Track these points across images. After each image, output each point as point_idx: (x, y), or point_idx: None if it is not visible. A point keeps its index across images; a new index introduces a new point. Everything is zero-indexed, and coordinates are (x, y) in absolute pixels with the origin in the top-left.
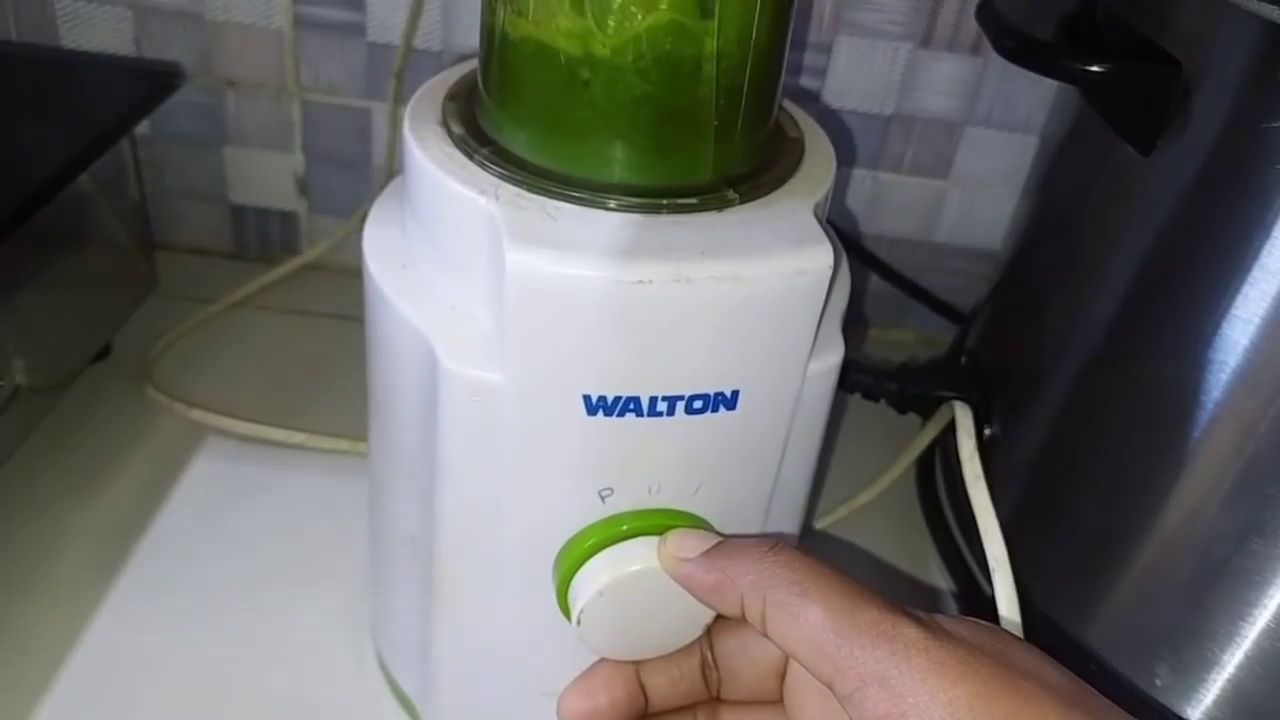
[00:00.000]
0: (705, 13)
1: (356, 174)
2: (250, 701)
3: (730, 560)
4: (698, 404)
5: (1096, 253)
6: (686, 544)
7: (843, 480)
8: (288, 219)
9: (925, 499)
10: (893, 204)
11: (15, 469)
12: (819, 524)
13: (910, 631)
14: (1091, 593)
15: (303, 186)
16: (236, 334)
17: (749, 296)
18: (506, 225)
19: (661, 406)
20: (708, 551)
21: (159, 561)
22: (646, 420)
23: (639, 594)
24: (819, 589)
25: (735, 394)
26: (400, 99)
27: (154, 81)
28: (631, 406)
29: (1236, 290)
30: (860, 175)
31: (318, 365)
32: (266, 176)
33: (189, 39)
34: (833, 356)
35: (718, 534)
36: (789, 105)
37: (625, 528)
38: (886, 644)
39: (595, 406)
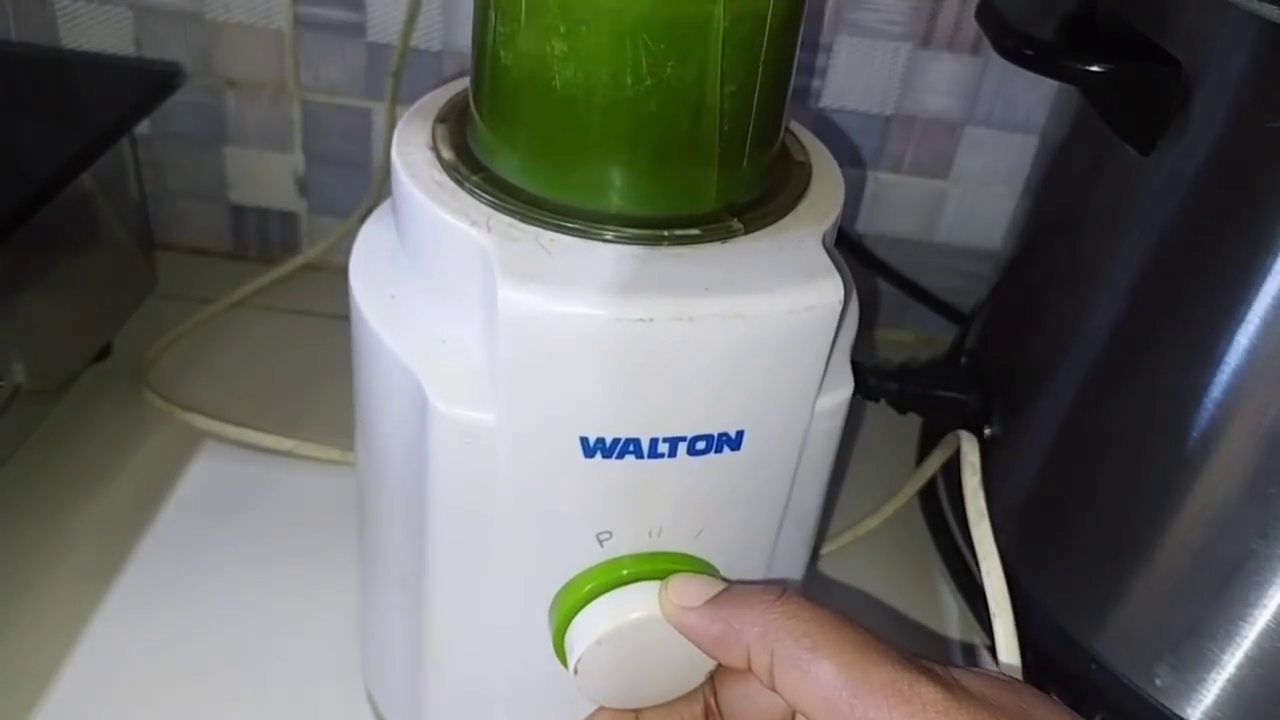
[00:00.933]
0: (710, 34)
1: (357, 174)
2: None
3: (735, 610)
4: (701, 445)
5: (1096, 253)
6: (689, 591)
7: (843, 486)
8: (288, 219)
9: (928, 509)
10: (893, 204)
11: (13, 471)
12: (824, 550)
13: (928, 691)
14: (1092, 592)
15: (303, 186)
16: (236, 334)
17: (755, 334)
18: (499, 259)
19: (663, 448)
20: (711, 600)
21: (151, 571)
22: (647, 462)
23: (640, 642)
24: (830, 643)
25: (740, 434)
26: (398, 99)
27: (154, 81)
28: (631, 448)
29: (1238, 291)
30: (860, 175)
31: (318, 365)
32: (267, 176)
33: (189, 39)
34: (842, 392)
35: (722, 579)
36: (795, 126)
37: (625, 572)
38: (904, 705)
39: (593, 449)
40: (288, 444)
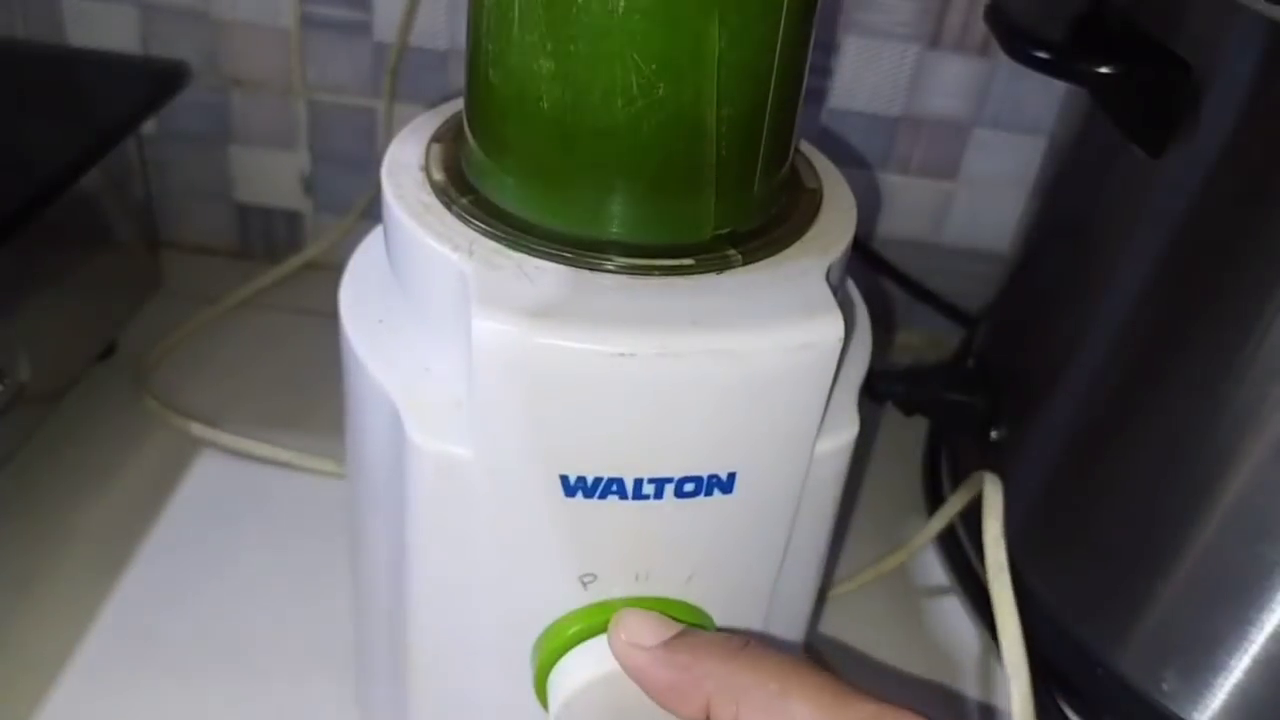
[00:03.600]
0: (703, 56)
1: (362, 173)
2: None
3: (694, 657)
4: (689, 487)
5: (1106, 255)
6: (642, 628)
7: (849, 495)
8: (293, 218)
9: (945, 541)
10: (900, 205)
11: (13, 471)
12: (835, 591)
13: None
14: (1099, 596)
15: (308, 185)
16: (240, 334)
17: (745, 372)
18: (477, 287)
19: (648, 489)
20: (668, 643)
21: (148, 577)
22: (632, 503)
23: (625, 690)
24: (801, 685)
25: (732, 476)
26: (396, 97)
27: (160, 80)
28: (615, 488)
29: (1250, 293)
30: (867, 177)
31: (321, 365)
32: (272, 175)
33: (195, 38)
34: (845, 434)
35: (717, 629)
36: (808, 150)
37: (610, 617)
38: None
39: (574, 488)
40: (284, 455)
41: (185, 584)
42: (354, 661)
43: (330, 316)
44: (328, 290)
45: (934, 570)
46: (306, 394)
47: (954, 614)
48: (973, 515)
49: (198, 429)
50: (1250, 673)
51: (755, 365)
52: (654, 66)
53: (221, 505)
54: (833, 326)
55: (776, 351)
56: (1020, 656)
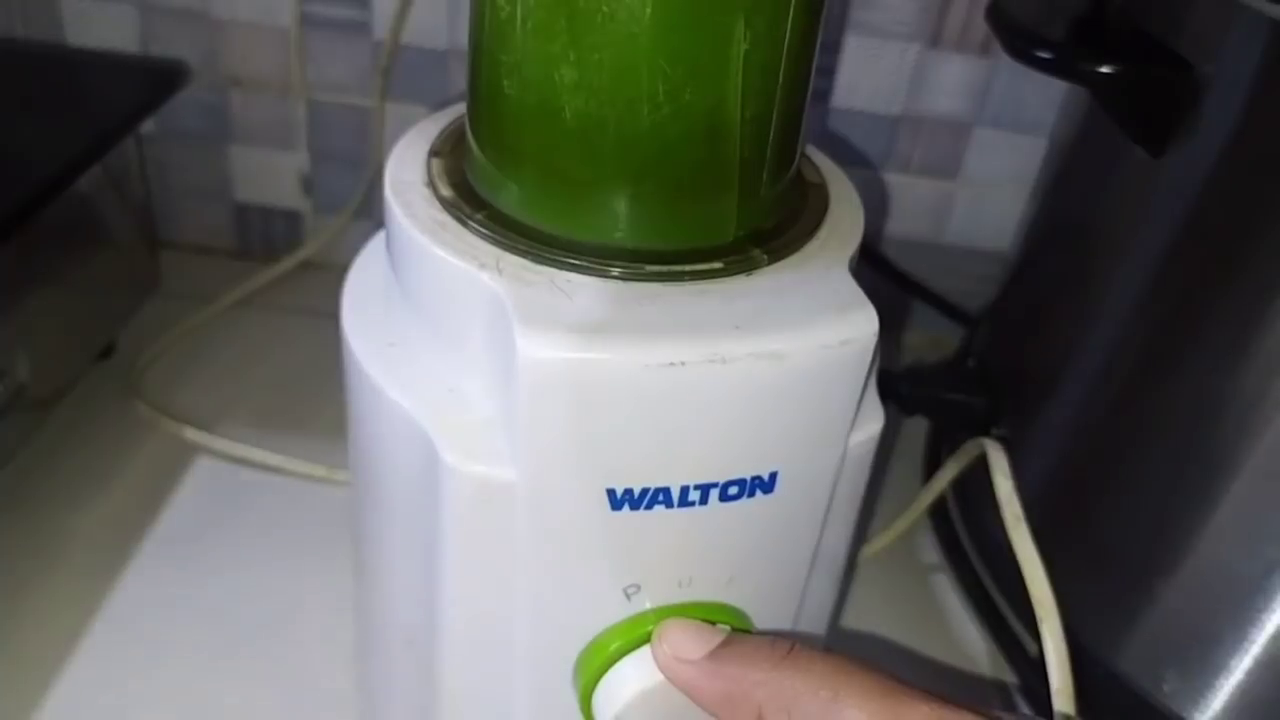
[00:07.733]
0: (730, 57)
1: (361, 173)
2: None
3: (742, 667)
4: (733, 490)
5: (1107, 255)
6: (686, 642)
7: None
8: (292, 218)
9: (939, 527)
10: (901, 205)
11: (10, 474)
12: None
13: None
14: (1100, 597)
15: (307, 185)
16: (237, 334)
17: (789, 372)
18: (515, 305)
19: (694, 496)
20: (713, 654)
21: (144, 582)
22: (677, 511)
23: (674, 700)
24: (854, 691)
25: (774, 476)
26: (387, 95)
27: (159, 79)
28: (661, 498)
29: (1251, 294)
30: (868, 176)
31: (319, 366)
32: (271, 175)
33: (194, 37)
34: (874, 424)
35: (740, 631)
36: (808, 148)
37: (653, 627)
38: None
39: (620, 501)
40: (276, 459)
41: (181, 588)
42: (355, 669)
43: (329, 316)
44: (326, 289)
45: (927, 552)
46: (303, 396)
47: (949, 593)
48: (965, 497)
49: (191, 434)
50: (1251, 673)
51: (798, 364)
52: (681, 71)
53: (216, 510)
54: (869, 321)
55: (818, 349)
56: (1049, 597)
